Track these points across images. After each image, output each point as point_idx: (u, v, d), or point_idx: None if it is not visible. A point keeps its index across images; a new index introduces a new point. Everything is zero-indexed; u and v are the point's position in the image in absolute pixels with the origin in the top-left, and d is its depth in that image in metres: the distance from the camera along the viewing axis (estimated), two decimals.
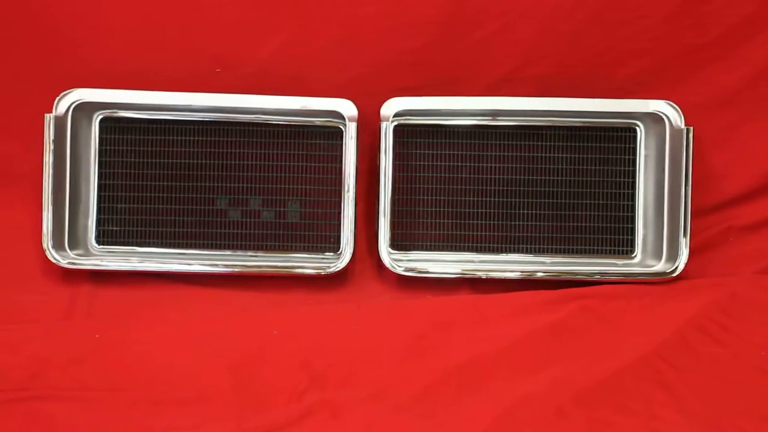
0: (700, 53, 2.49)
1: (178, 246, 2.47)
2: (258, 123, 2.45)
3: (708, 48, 2.49)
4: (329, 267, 2.38)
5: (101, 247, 2.47)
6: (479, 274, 2.41)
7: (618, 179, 2.48)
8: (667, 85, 2.49)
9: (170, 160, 2.45)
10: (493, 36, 2.47)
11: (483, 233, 2.48)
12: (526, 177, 2.47)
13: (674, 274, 2.40)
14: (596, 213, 2.48)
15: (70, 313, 2.37)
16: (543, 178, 2.47)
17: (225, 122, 2.45)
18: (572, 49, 2.48)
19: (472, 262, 2.48)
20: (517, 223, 2.48)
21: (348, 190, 2.38)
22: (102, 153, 2.46)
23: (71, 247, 2.43)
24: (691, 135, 2.38)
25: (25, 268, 2.45)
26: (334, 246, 2.46)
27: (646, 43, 2.48)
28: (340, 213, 2.42)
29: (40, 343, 2.20)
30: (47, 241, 2.37)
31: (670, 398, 2.10)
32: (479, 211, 2.48)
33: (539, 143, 2.47)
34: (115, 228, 2.47)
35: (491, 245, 2.49)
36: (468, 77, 2.49)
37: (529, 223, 2.48)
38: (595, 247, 2.49)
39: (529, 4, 2.45)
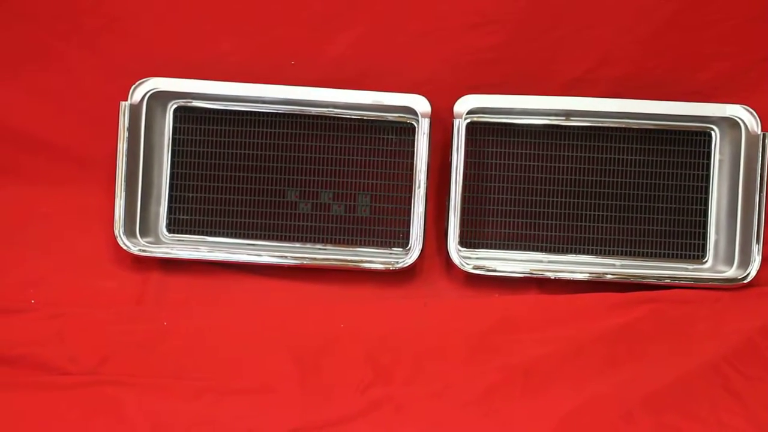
0: None
1: (248, 237, 2.48)
2: (330, 117, 2.45)
3: None
4: (398, 262, 2.38)
5: (171, 235, 2.49)
6: (548, 274, 2.40)
7: (691, 183, 2.45)
8: (746, 89, 2.45)
9: (242, 151, 2.47)
10: (571, 35, 2.45)
11: (552, 233, 2.47)
12: (598, 178, 2.45)
13: (746, 281, 2.37)
14: (668, 217, 2.45)
15: (140, 300, 2.40)
16: (615, 180, 2.45)
17: (298, 115, 2.45)
18: (651, 51, 2.45)
19: (541, 262, 2.46)
20: (587, 224, 2.46)
21: (419, 186, 2.37)
22: (175, 142, 2.48)
23: (142, 235, 2.45)
24: (767, 141, 2.35)
25: (96, 254, 2.48)
26: (403, 242, 2.46)
27: (727, 47, 2.45)
28: (410, 209, 2.41)
29: (109, 329, 2.23)
30: (119, 228, 2.39)
31: (738, 406, 2.09)
32: (549, 211, 2.46)
33: (612, 144, 2.45)
34: (185, 217, 2.49)
35: (560, 246, 2.47)
36: (543, 76, 2.48)
37: (600, 224, 2.46)
38: (666, 251, 2.46)
39: (609, 4, 2.43)
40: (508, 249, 2.47)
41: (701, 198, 2.45)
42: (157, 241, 2.48)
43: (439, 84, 2.48)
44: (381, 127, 2.46)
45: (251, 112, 2.46)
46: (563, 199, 2.46)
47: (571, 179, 2.46)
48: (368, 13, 2.47)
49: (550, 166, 2.46)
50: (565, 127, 2.44)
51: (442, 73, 2.49)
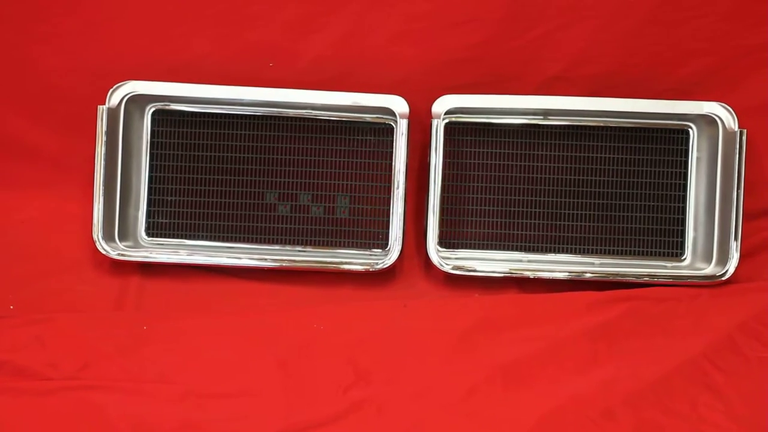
0: (758, 54, 2.45)
1: (227, 239, 2.48)
2: (309, 118, 2.45)
3: (766, 49, 2.46)
4: (377, 264, 2.38)
5: (150, 239, 2.48)
6: (527, 273, 2.40)
7: (669, 181, 2.46)
8: (723, 86, 2.46)
9: (221, 154, 2.46)
10: (549, 34, 2.45)
11: (532, 233, 2.47)
12: (577, 177, 2.46)
13: (724, 278, 2.38)
14: (646, 215, 2.46)
15: (119, 305, 2.40)
16: (593, 178, 2.46)
17: (276, 117, 2.45)
18: (628, 49, 2.46)
19: (520, 261, 2.47)
20: (566, 223, 2.47)
21: (397, 187, 2.37)
22: (153, 145, 2.47)
23: (121, 239, 2.44)
24: (744, 138, 2.35)
25: (75, 259, 2.47)
26: (383, 243, 2.45)
27: (703, 44, 2.45)
28: (389, 210, 2.41)
29: (90, 334, 2.22)
30: (97, 232, 2.39)
31: (718, 402, 2.09)
32: (528, 210, 2.46)
33: (590, 143, 2.45)
34: (164, 220, 2.48)
35: (540, 245, 2.47)
36: (521, 75, 2.48)
37: (579, 223, 2.47)
38: (645, 249, 2.47)
39: (586, 3, 2.43)
40: (487, 249, 2.47)
41: (679, 195, 2.46)
42: (136, 245, 2.47)
43: (417, 84, 2.47)
44: (359, 128, 2.46)
45: (229, 114, 2.45)
46: (542, 198, 2.46)
47: (549, 178, 2.46)
48: (346, 14, 2.46)
49: (529, 166, 2.46)
50: (544, 126, 2.45)
51: (420, 74, 2.49)
